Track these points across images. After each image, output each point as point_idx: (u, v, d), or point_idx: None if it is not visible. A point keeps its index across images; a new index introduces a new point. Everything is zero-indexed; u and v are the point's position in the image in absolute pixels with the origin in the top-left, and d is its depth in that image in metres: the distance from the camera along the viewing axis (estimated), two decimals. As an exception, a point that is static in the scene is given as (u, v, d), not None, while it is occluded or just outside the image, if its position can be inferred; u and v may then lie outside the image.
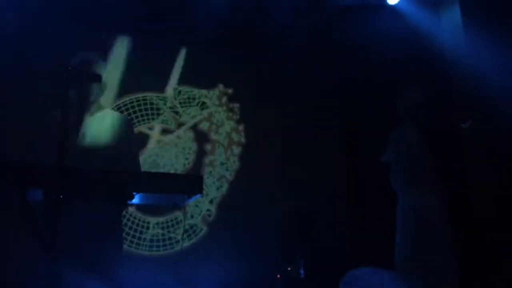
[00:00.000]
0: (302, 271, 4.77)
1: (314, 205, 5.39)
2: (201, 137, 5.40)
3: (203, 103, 5.48)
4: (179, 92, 5.40)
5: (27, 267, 2.23)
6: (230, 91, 5.58)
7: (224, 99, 5.57)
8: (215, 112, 5.50)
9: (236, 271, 4.97)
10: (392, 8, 5.57)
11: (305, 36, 5.45)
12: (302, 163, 5.53)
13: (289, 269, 4.88)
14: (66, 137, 1.88)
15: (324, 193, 5.50)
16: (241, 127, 5.59)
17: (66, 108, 1.94)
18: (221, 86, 5.56)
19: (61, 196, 1.81)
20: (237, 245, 5.11)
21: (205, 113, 5.46)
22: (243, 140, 5.56)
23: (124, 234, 4.82)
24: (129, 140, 2.61)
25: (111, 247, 2.40)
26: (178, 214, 5.06)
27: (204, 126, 5.44)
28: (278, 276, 4.91)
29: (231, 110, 5.56)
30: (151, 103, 5.29)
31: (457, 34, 5.33)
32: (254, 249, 5.10)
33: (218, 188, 5.35)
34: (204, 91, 5.51)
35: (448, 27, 5.50)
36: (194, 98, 5.46)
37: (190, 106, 5.42)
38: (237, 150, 5.51)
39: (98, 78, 2.56)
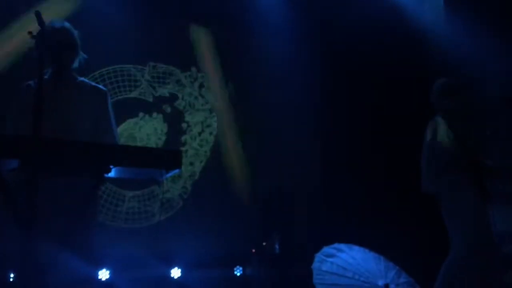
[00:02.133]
0: (277, 247, 4.84)
1: (290, 183, 5.43)
2: (175, 116, 5.33)
3: (178, 80, 5.39)
4: (154, 67, 5.30)
5: (2, 239, 2.20)
6: (202, 75, 5.50)
7: (197, 84, 5.48)
8: (189, 94, 5.42)
9: (212, 246, 5.00)
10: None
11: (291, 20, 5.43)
12: (279, 142, 5.54)
13: (264, 244, 4.94)
14: (42, 108, 1.82)
15: (300, 171, 5.54)
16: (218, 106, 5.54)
17: (41, 78, 1.87)
18: (194, 70, 5.47)
19: (37, 167, 1.77)
20: (213, 220, 5.13)
21: (180, 91, 5.38)
22: (217, 122, 5.52)
23: (99, 207, 4.79)
24: (106, 111, 2.56)
25: (87, 220, 2.38)
26: (154, 187, 5.04)
27: (179, 105, 5.36)
28: (253, 250, 4.97)
29: (202, 96, 5.49)
30: (129, 75, 5.19)
31: (439, 16, 5.36)
32: (230, 224, 5.13)
33: (190, 165, 5.32)
34: (178, 70, 5.42)
35: (430, 9, 5.53)
36: (171, 74, 5.37)
37: (164, 83, 5.33)
38: (212, 130, 5.47)
39: (74, 47, 2.50)
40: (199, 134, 5.41)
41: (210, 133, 5.46)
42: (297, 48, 5.58)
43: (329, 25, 5.56)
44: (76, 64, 2.58)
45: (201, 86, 5.48)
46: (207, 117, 5.48)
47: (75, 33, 2.53)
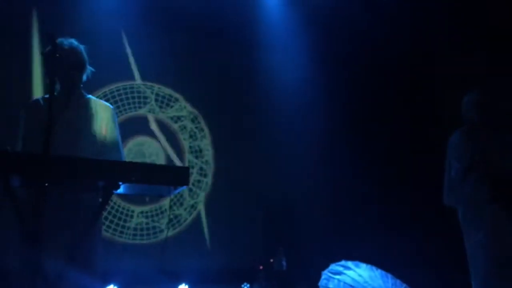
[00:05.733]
0: (284, 263, 4.82)
1: (298, 199, 5.43)
2: (179, 136, 5.39)
3: (184, 106, 5.47)
4: (159, 88, 5.37)
5: (11, 254, 2.22)
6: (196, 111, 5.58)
7: (192, 116, 5.55)
8: (188, 120, 5.50)
9: (220, 262, 5.00)
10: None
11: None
12: (284, 158, 5.55)
13: (271, 261, 4.93)
14: (52, 127, 1.86)
15: (308, 188, 5.53)
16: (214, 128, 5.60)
17: (52, 98, 1.91)
18: (189, 106, 5.54)
19: (46, 184, 1.80)
20: (221, 236, 5.14)
21: (183, 116, 5.46)
22: (220, 139, 5.59)
23: (108, 222, 4.82)
24: (112, 128, 2.59)
25: (94, 235, 2.40)
26: (163, 203, 5.07)
27: (184, 128, 5.42)
28: (261, 267, 4.96)
29: (196, 116, 5.56)
30: (138, 91, 5.26)
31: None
32: (238, 241, 5.13)
33: (198, 182, 5.36)
34: (182, 97, 5.49)
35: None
36: (177, 99, 5.44)
37: (168, 105, 5.39)
38: (214, 155, 5.53)
39: (83, 65, 2.54)
40: (201, 161, 5.46)
41: (209, 162, 5.50)
42: (304, 61, 5.62)
43: (332, 35, 5.59)
44: (84, 79, 2.62)
45: (195, 118, 5.55)
46: (207, 145, 5.55)
47: (83, 49, 2.55)
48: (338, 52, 5.58)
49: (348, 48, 5.50)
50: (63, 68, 2.39)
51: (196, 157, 5.44)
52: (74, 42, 2.53)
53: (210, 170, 5.48)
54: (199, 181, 5.38)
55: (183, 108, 5.46)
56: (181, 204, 5.22)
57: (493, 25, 4.57)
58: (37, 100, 2.54)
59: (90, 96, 2.65)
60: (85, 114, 2.52)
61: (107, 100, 4.69)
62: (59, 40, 2.46)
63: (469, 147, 3.35)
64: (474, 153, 3.32)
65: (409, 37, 5.16)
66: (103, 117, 2.57)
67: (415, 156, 4.96)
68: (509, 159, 3.37)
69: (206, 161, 5.48)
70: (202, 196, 5.35)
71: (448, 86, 4.62)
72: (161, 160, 5.17)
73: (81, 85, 2.59)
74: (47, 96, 2.50)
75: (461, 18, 4.73)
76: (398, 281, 3.84)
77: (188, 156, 5.39)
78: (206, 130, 5.56)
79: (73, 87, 2.53)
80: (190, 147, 5.43)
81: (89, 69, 2.60)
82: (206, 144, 5.52)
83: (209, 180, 5.43)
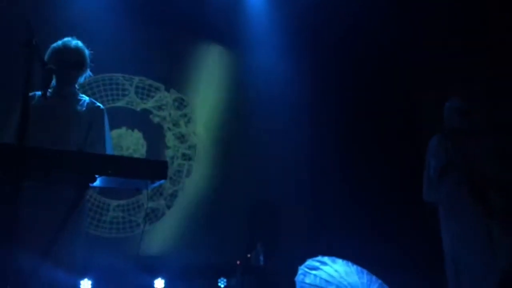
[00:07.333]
0: (262, 258, 4.84)
1: (276, 194, 5.45)
2: (159, 129, 5.35)
3: (164, 96, 5.43)
4: (140, 79, 5.32)
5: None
6: (183, 96, 5.55)
7: (177, 104, 5.51)
8: (171, 108, 5.46)
9: (196, 257, 4.99)
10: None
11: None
12: (266, 153, 5.57)
13: (249, 256, 4.95)
14: (28, 118, 1.82)
15: (286, 183, 5.56)
16: (199, 120, 5.57)
17: (27, 88, 1.87)
18: (174, 91, 5.50)
19: (19, 176, 1.77)
20: (198, 231, 5.12)
21: (164, 107, 5.42)
22: (204, 133, 5.56)
23: (86, 217, 4.74)
24: (102, 127, 2.60)
25: (72, 229, 2.37)
26: (139, 197, 5.02)
27: (164, 119, 5.38)
28: (238, 262, 4.96)
29: (185, 115, 5.53)
30: (117, 84, 5.19)
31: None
32: (215, 236, 5.12)
33: (176, 176, 5.33)
34: (163, 87, 5.45)
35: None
36: (157, 89, 5.40)
37: (149, 96, 5.34)
38: (196, 142, 5.50)
39: (84, 66, 2.58)
40: (184, 147, 5.43)
41: (194, 146, 5.48)
42: (286, 62, 5.62)
43: (319, 36, 5.61)
44: (81, 80, 2.68)
45: (180, 104, 5.52)
46: (191, 131, 5.51)
47: (87, 52, 2.63)
48: (325, 52, 5.60)
49: (335, 47, 5.52)
50: (63, 66, 2.45)
51: (181, 142, 5.43)
52: (79, 43, 2.62)
53: (194, 154, 5.46)
54: (179, 171, 5.35)
55: (164, 97, 5.42)
56: (161, 194, 5.18)
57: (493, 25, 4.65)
58: (34, 94, 2.55)
59: (83, 95, 2.70)
60: (76, 111, 2.57)
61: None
62: (65, 39, 2.54)
63: (448, 148, 3.51)
64: (452, 153, 3.46)
65: (399, 35, 5.19)
66: (93, 115, 2.60)
67: (400, 156, 5.02)
68: (486, 162, 3.52)
69: (189, 146, 5.46)
70: (182, 183, 5.32)
71: (440, 87, 4.69)
72: (140, 152, 5.12)
73: (76, 85, 2.65)
74: (38, 92, 2.49)
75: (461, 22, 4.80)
76: (374, 277, 3.89)
77: (172, 143, 5.36)
78: (191, 116, 5.53)
79: (69, 85, 2.59)
80: (174, 134, 5.40)
81: (88, 72, 2.65)
82: (190, 130, 5.50)
83: (191, 164, 5.41)
